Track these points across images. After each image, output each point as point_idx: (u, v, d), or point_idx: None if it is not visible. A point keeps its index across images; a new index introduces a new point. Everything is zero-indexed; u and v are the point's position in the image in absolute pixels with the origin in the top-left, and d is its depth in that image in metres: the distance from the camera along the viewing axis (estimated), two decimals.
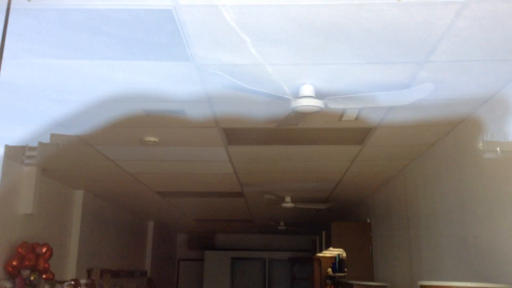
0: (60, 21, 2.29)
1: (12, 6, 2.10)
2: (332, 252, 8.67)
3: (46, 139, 4.25)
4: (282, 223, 9.83)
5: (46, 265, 4.88)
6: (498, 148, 3.15)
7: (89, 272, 6.72)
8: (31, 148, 4.56)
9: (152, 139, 4.12)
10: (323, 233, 8.35)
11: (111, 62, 2.73)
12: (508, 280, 3.02)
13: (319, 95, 2.99)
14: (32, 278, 4.69)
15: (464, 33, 2.37)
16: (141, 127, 3.90)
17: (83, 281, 5.89)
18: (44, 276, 4.82)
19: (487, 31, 2.35)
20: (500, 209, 3.15)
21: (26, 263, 4.70)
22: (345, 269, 7.27)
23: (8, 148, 4.55)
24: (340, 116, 3.60)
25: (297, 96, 2.98)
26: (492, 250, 3.29)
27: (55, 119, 3.67)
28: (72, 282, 5.56)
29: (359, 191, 6.82)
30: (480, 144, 3.41)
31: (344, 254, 7.27)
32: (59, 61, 2.72)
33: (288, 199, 7.11)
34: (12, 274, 4.60)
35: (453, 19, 2.24)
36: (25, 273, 4.67)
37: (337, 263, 8.79)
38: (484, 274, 3.39)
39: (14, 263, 4.62)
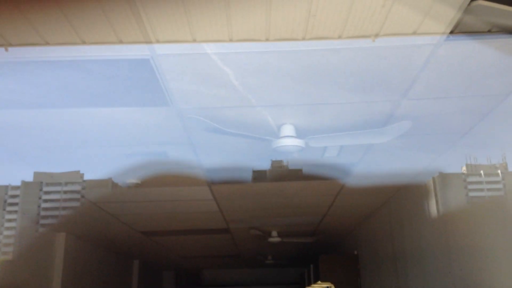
0: (39, 72, 2.29)
1: None
2: (320, 285, 8.55)
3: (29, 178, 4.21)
4: (270, 257, 9.71)
5: None
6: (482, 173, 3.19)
7: None
8: (14, 188, 4.48)
9: (134, 181, 4.09)
10: (311, 266, 8.26)
11: (91, 110, 2.73)
12: None
13: (300, 134, 3.02)
14: None
15: (437, 73, 2.43)
16: (123, 170, 3.87)
17: None
18: None
19: (460, 70, 2.42)
20: (485, 241, 3.17)
21: None
22: None
23: None
24: None
25: (278, 136, 3.00)
26: (478, 282, 3.29)
27: (36, 163, 3.63)
28: None
29: (345, 223, 6.80)
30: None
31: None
32: (40, 110, 2.71)
33: (274, 233, 7.05)
34: None
35: (426, 60, 2.30)
36: None
37: None
38: None
39: None
